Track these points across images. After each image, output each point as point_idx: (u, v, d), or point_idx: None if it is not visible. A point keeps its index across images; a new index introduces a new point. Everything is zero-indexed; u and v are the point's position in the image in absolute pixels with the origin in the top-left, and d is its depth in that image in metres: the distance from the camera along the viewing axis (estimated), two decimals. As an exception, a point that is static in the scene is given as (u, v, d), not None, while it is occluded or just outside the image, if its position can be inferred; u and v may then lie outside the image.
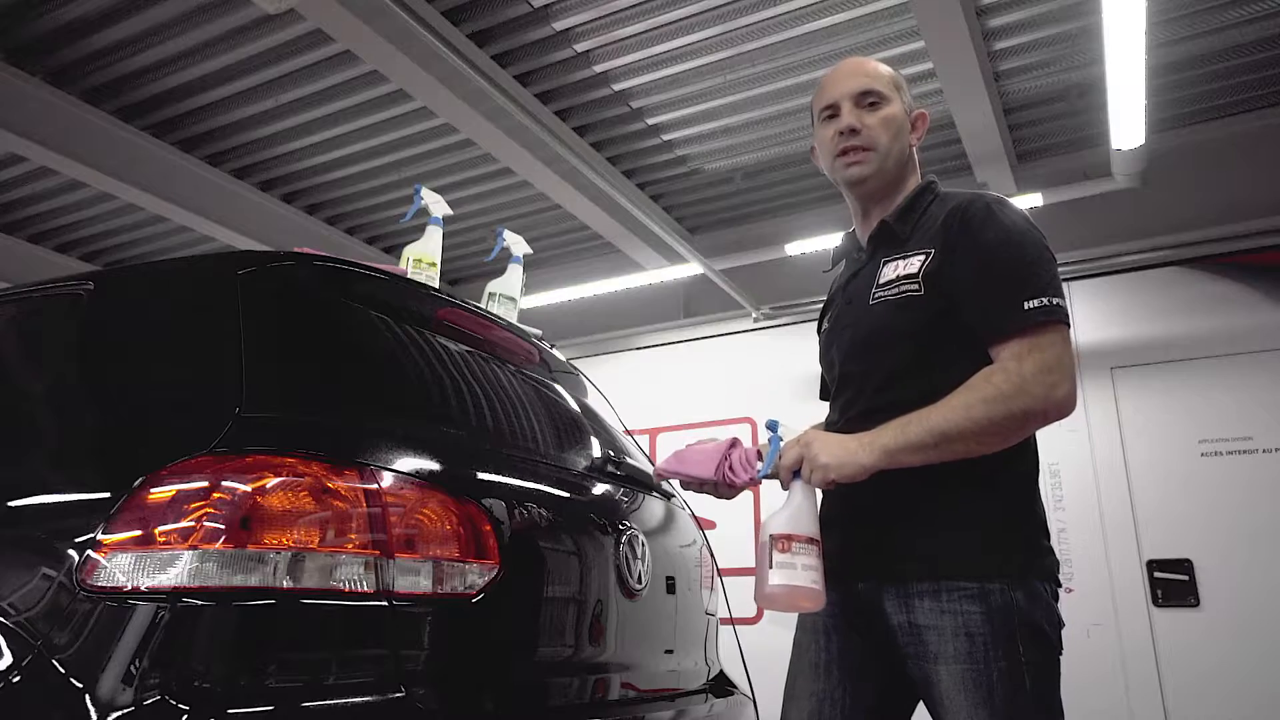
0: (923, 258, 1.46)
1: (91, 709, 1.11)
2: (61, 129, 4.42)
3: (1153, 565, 4.32)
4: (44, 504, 1.40)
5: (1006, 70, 4.16)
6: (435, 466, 1.45)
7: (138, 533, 1.22)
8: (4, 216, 5.68)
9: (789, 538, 1.33)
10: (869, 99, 1.56)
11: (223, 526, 1.20)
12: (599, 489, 1.88)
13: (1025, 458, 1.43)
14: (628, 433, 2.35)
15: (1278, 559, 4.09)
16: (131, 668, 1.13)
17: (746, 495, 5.75)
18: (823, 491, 1.45)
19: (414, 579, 1.33)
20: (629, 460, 2.08)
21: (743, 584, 5.58)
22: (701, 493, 1.57)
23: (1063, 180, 4.75)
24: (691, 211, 5.65)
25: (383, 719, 1.26)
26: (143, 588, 1.18)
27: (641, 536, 1.89)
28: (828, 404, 1.69)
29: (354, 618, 1.28)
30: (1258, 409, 4.30)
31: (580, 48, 4.02)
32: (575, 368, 2.36)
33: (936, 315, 1.43)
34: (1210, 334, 4.47)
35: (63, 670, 1.16)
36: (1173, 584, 4.26)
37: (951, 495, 1.38)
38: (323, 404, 1.45)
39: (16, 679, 1.18)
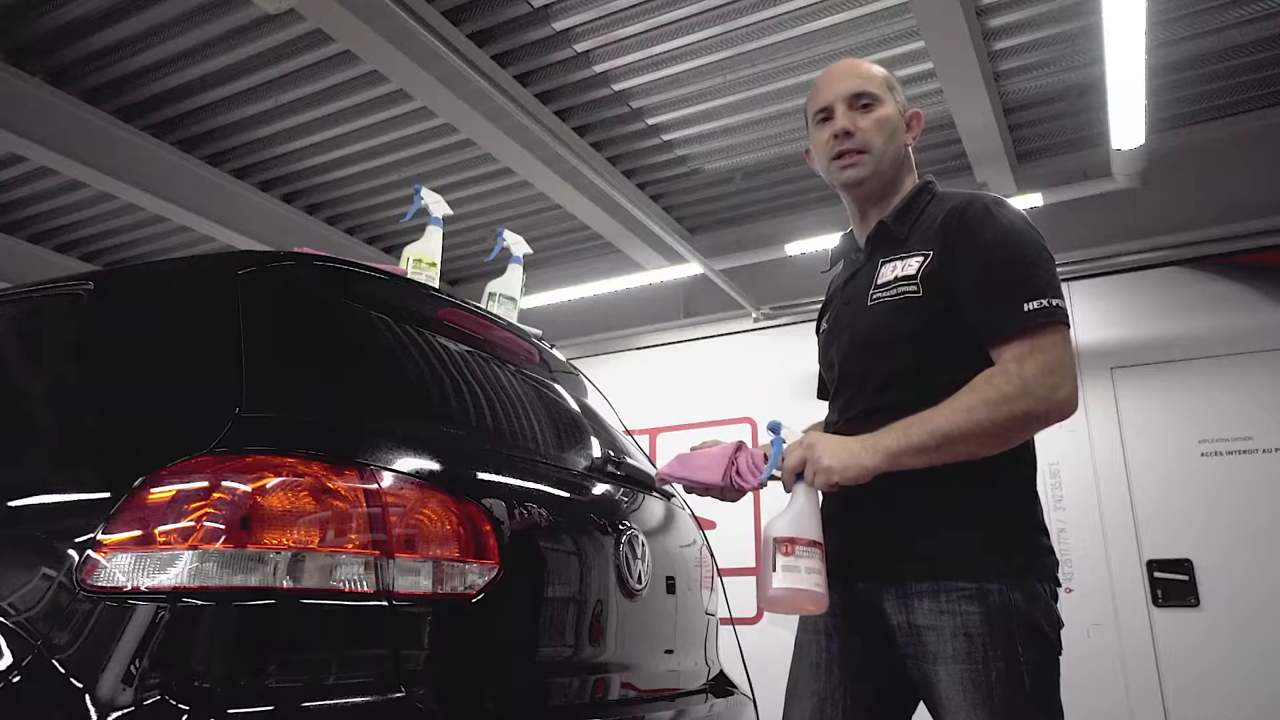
0: (921, 259, 1.46)
1: (91, 709, 1.11)
2: (61, 129, 4.42)
3: (1153, 565, 4.32)
4: (44, 504, 1.40)
5: (1006, 70, 4.16)
6: (435, 466, 1.45)
7: (138, 533, 1.22)
8: (4, 216, 5.68)
9: (792, 541, 1.33)
10: (862, 101, 1.56)
11: (223, 526, 1.20)
12: (599, 489, 1.88)
13: (1024, 458, 1.43)
14: (628, 433, 2.35)
15: (1278, 559, 4.09)
16: (131, 668, 1.13)
17: (747, 495, 5.70)
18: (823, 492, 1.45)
19: (414, 579, 1.33)
20: (629, 460, 2.08)
21: (743, 584, 5.58)
22: (705, 496, 1.56)
23: (1063, 180, 4.75)
24: (691, 211, 5.65)
25: (383, 719, 1.26)
26: (143, 588, 1.18)
27: (641, 536, 1.89)
28: (827, 403, 1.69)
29: (354, 618, 1.28)
30: (1258, 409, 4.30)
31: (580, 48, 4.02)
32: (575, 368, 2.35)
33: (935, 317, 1.43)
34: (1210, 334, 4.47)
35: (63, 670, 1.16)
36: (1173, 584, 4.26)
37: (950, 496, 1.38)
38: (323, 404, 1.45)
39: (16, 679, 1.18)
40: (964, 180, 4.83)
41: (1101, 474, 4.52)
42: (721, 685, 2.17)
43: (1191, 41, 3.98)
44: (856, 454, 1.36)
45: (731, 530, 5.33)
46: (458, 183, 5.21)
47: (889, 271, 1.50)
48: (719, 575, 2.37)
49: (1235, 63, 4.14)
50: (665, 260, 5.60)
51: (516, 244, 2.60)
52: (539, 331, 2.26)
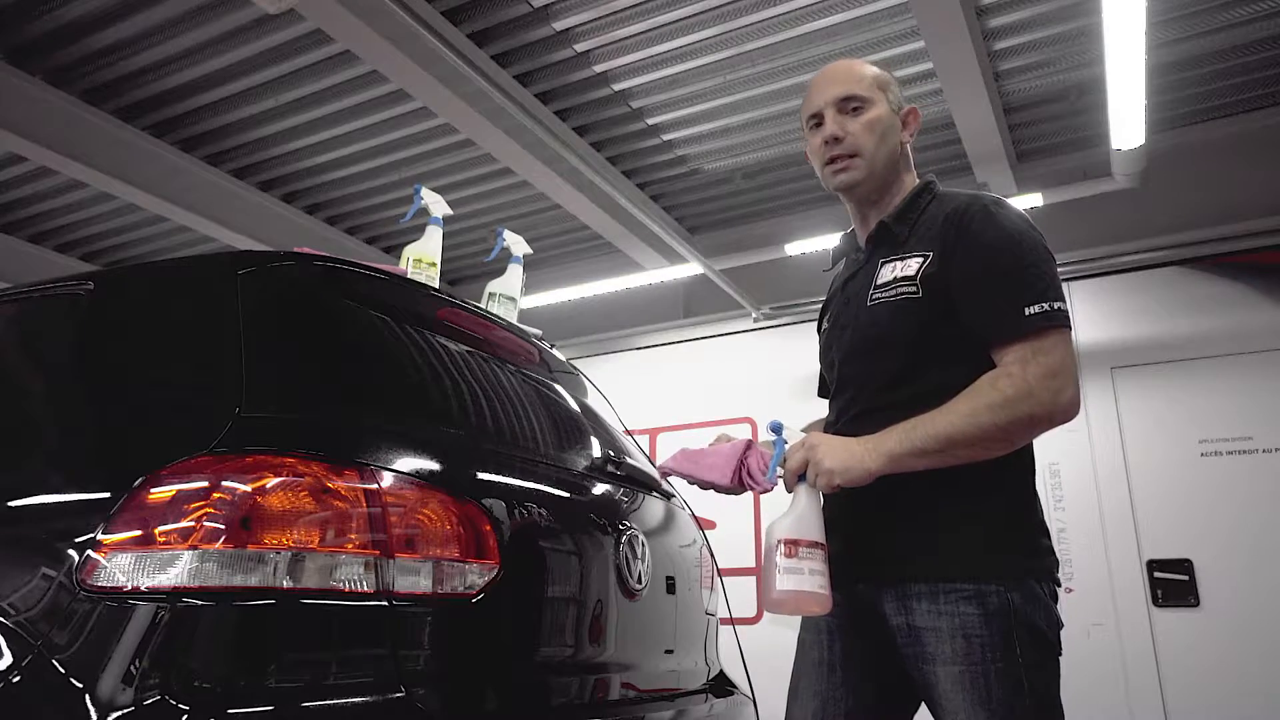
0: (920, 260, 1.46)
1: (91, 709, 1.11)
2: (61, 129, 4.42)
3: (1153, 565, 4.32)
4: (44, 504, 1.40)
5: (1006, 70, 4.16)
6: (435, 466, 1.45)
7: (138, 533, 1.22)
8: (4, 216, 5.68)
9: (795, 543, 1.33)
10: (851, 104, 1.56)
11: (223, 526, 1.20)
12: (599, 489, 1.88)
13: (1023, 459, 1.43)
14: (628, 433, 2.35)
15: (1278, 559, 4.09)
16: (131, 668, 1.13)
17: (747, 496, 5.71)
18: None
19: (414, 579, 1.33)
20: (629, 460, 2.08)
21: (743, 584, 5.58)
22: (707, 490, 1.56)
23: (1063, 180, 4.75)
24: (691, 211, 5.65)
25: (383, 719, 1.26)
26: (143, 588, 1.18)
27: (641, 536, 1.89)
28: (827, 401, 1.69)
29: (354, 618, 1.28)
30: (1258, 409, 4.30)
31: (580, 48, 4.02)
32: (575, 368, 2.35)
33: (934, 318, 1.42)
34: (1210, 334, 4.47)
35: (63, 670, 1.16)
36: (1173, 584, 4.26)
37: (949, 497, 1.38)
38: (323, 404, 1.45)
39: (16, 679, 1.18)
40: (964, 180, 4.83)
41: (1101, 474, 4.52)
42: (721, 685, 2.17)
43: (1191, 41, 3.98)
44: (859, 456, 1.36)
45: (731, 530, 5.33)
46: (458, 183, 5.21)
47: (888, 272, 1.50)
48: (719, 575, 2.37)
49: (1235, 63, 4.14)
50: (665, 260, 5.60)
51: (516, 244, 2.60)
52: (539, 331, 2.26)
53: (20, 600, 1.24)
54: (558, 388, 2.13)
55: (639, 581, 1.84)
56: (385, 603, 1.29)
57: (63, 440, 1.51)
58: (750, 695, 2.22)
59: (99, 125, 4.58)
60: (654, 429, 5.80)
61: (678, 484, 2.25)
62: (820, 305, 1.79)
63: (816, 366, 1.82)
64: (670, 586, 2.02)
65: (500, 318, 2.12)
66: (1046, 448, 1.46)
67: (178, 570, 1.18)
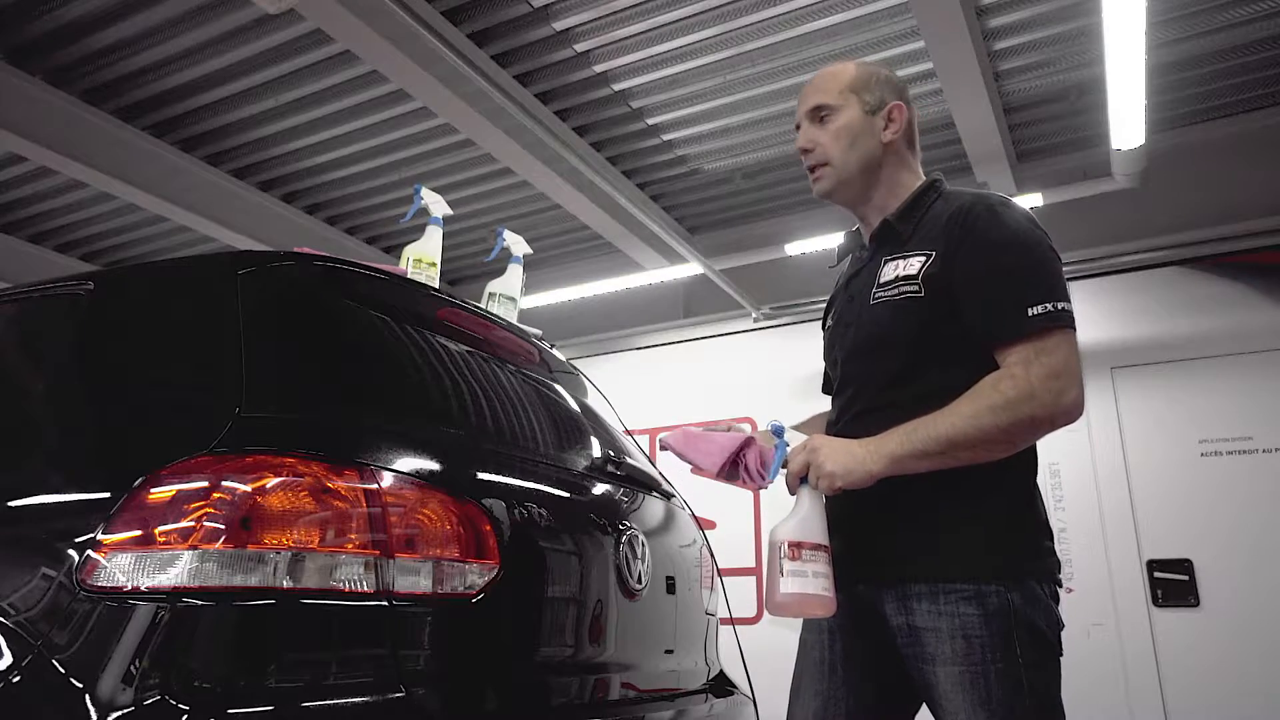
0: (923, 259, 1.45)
1: (91, 709, 1.11)
2: (61, 129, 4.42)
3: (1153, 565, 4.32)
4: (44, 504, 1.40)
5: (1006, 70, 4.16)
6: (435, 466, 1.45)
7: (138, 533, 1.22)
8: (4, 216, 5.69)
9: (799, 545, 1.33)
10: (821, 113, 1.59)
11: (223, 526, 1.20)
12: (599, 489, 1.88)
13: (1025, 459, 1.42)
14: (628, 433, 2.35)
15: (1278, 559, 4.10)
16: (131, 668, 1.13)
17: (747, 496, 5.69)
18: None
19: (414, 579, 1.33)
20: (629, 460, 2.08)
21: (743, 584, 5.57)
22: (696, 474, 1.55)
23: (1063, 180, 4.75)
24: (691, 211, 5.65)
25: (383, 719, 1.26)
26: (143, 588, 1.18)
27: (641, 536, 1.89)
28: (830, 398, 1.69)
29: (354, 618, 1.28)
30: (1258, 409, 4.30)
31: (580, 48, 4.02)
32: (575, 368, 2.35)
33: (935, 317, 1.42)
34: (1210, 334, 4.47)
35: (63, 670, 1.16)
36: (1173, 584, 4.26)
37: (950, 497, 1.38)
38: (323, 404, 1.45)
39: (16, 679, 1.18)
40: (964, 180, 4.83)
41: (1101, 474, 4.52)
42: (721, 685, 2.17)
43: (1191, 41, 3.98)
44: (860, 459, 1.35)
45: (731, 530, 5.33)
46: (458, 183, 5.21)
47: (891, 270, 1.49)
48: (719, 575, 2.37)
49: (1235, 63, 4.15)
50: (665, 260, 5.60)
51: (516, 244, 2.60)
52: (539, 331, 2.26)
53: (20, 600, 1.24)
54: (558, 388, 2.13)
55: (639, 581, 1.84)
56: (385, 603, 1.29)
57: (63, 440, 1.51)
58: (750, 695, 2.22)
59: (99, 125, 4.58)
60: (654, 429, 5.79)
61: (678, 486, 2.26)
62: (825, 303, 1.79)
63: (817, 366, 1.82)
64: (670, 586, 2.02)
65: (500, 318, 2.12)
66: (1047, 448, 1.45)
67: (178, 570, 1.18)
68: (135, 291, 1.72)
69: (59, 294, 1.74)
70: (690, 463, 1.52)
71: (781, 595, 1.31)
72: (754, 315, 5.72)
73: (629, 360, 6.15)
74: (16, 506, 1.40)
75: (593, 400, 2.28)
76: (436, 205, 2.44)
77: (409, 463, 1.41)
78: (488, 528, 1.45)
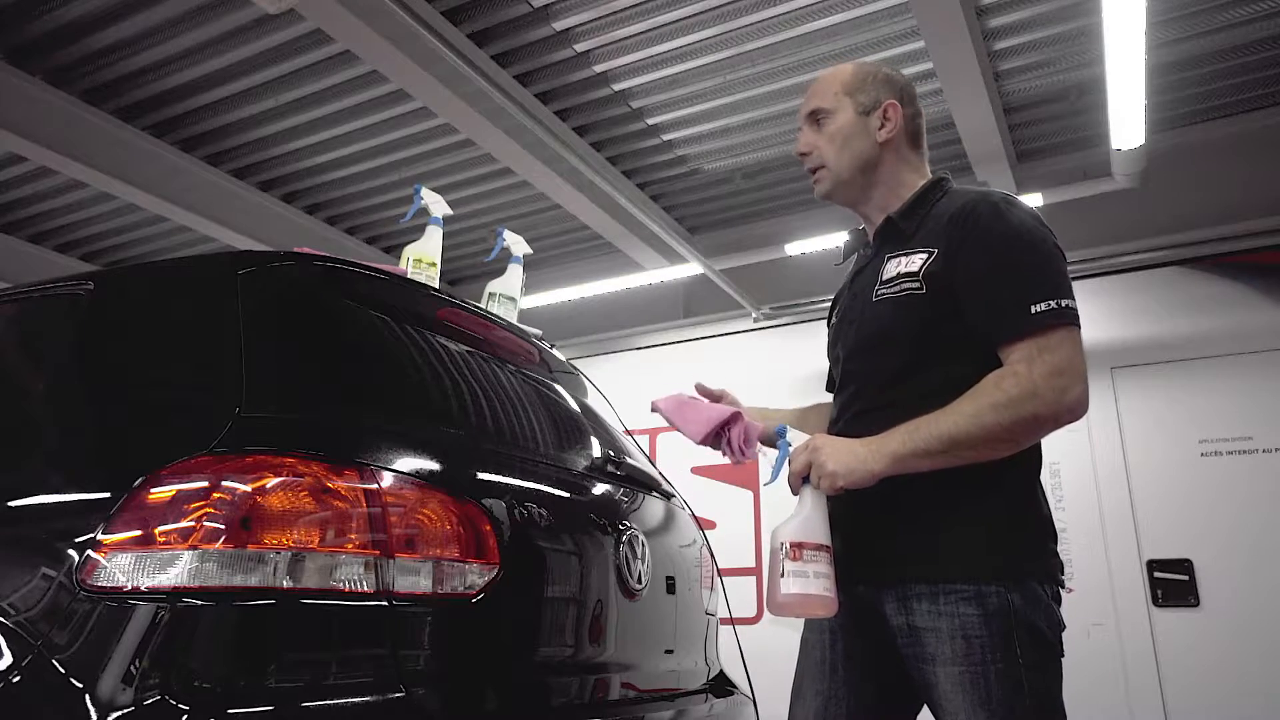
0: (925, 255, 1.45)
1: (91, 709, 1.11)
2: (61, 129, 4.42)
3: (1153, 565, 4.32)
4: (44, 504, 1.40)
5: (1006, 70, 4.16)
6: (435, 466, 1.45)
7: (138, 533, 1.22)
8: (4, 216, 5.69)
9: (800, 545, 1.33)
10: (817, 117, 1.61)
11: (223, 526, 1.20)
12: (599, 489, 1.88)
13: (1028, 459, 1.41)
14: (628, 433, 2.35)
15: (1278, 559, 4.10)
16: (131, 668, 1.12)
17: (747, 496, 5.68)
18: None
19: (414, 579, 1.33)
20: (629, 460, 2.08)
21: (743, 584, 5.57)
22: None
23: (1063, 180, 4.75)
24: (691, 211, 5.65)
25: (383, 719, 1.26)
26: (143, 588, 1.18)
27: (641, 536, 1.89)
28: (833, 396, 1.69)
29: (354, 618, 1.28)
30: (1258, 409, 4.30)
31: (580, 48, 4.02)
32: (575, 368, 2.35)
33: (937, 314, 1.42)
34: (1210, 334, 4.47)
35: (63, 670, 1.16)
36: (1173, 584, 4.26)
37: (951, 497, 1.37)
38: (323, 404, 1.45)
39: (16, 679, 1.18)
40: (964, 180, 4.82)
41: (1101, 474, 4.52)
42: (721, 685, 2.17)
43: (1191, 41, 3.98)
44: (863, 459, 1.35)
45: (731, 530, 5.33)
46: (458, 183, 5.21)
47: (893, 267, 1.49)
48: (719, 575, 2.37)
49: (1235, 63, 4.15)
50: (665, 260, 5.60)
51: (516, 244, 2.60)
52: (539, 331, 2.26)
53: (20, 600, 1.24)
54: (558, 388, 2.13)
55: (639, 581, 1.84)
56: (385, 603, 1.29)
57: (63, 440, 1.51)
58: (750, 695, 2.22)
59: (99, 125, 4.58)
60: (654, 429, 5.79)
61: (677, 485, 2.26)
62: (827, 302, 1.79)
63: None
64: (670, 586, 2.02)
65: (500, 318, 2.12)
66: (1047, 448, 1.45)
67: (178, 570, 1.18)
68: (135, 291, 1.72)
69: (59, 294, 1.74)
70: (677, 428, 1.61)
71: (783, 595, 1.31)
72: (754, 315, 5.72)
73: (629, 360, 6.15)
74: (16, 506, 1.40)
75: (593, 400, 2.28)
76: (436, 205, 2.44)
77: (409, 463, 1.41)
78: (488, 528, 1.45)
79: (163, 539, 1.20)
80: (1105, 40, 3.31)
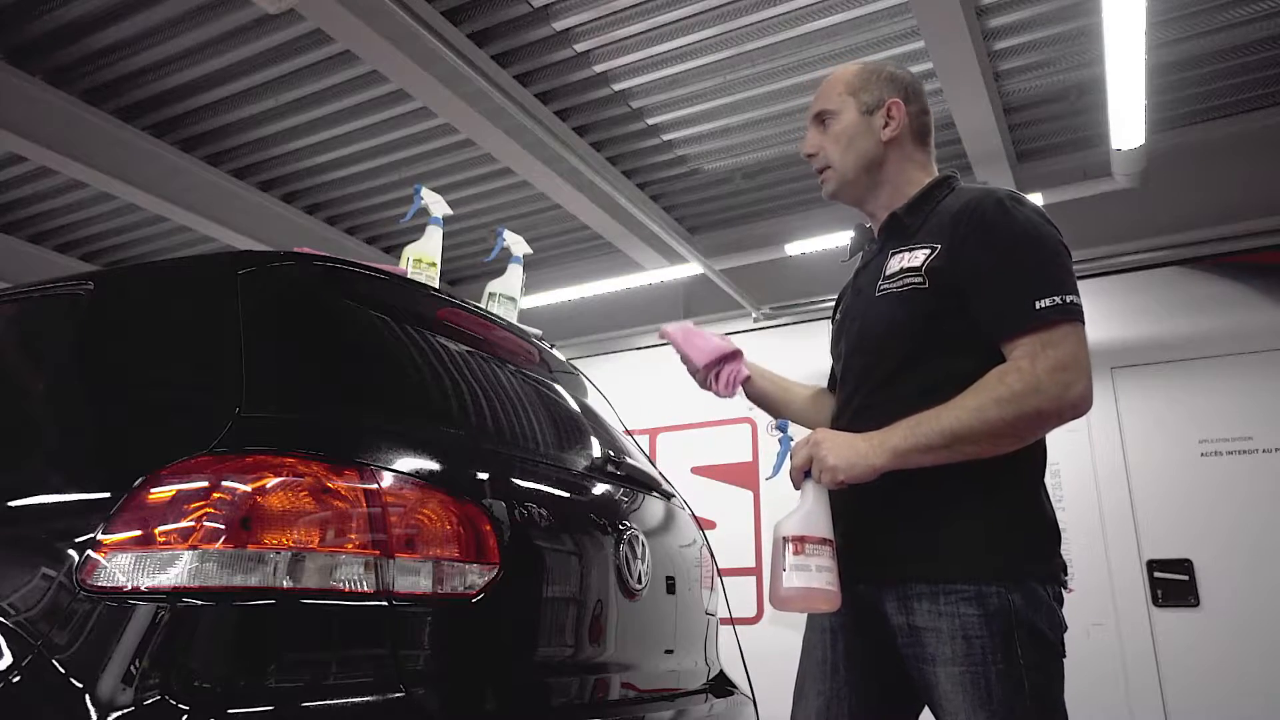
0: (928, 251, 1.45)
1: (91, 709, 1.11)
2: (61, 129, 4.42)
3: (1153, 565, 4.32)
4: (44, 504, 1.40)
5: (1006, 70, 4.16)
6: (435, 466, 1.45)
7: (138, 533, 1.22)
8: (4, 216, 5.68)
9: (802, 539, 1.33)
10: (822, 117, 1.63)
11: (223, 526, 1.20)
12: (599, 489, 1.88)
13: (1031, 457, 1.41)
14: (628, 433, 2.35)
15: (1278, 559, 4.10)
16: (131, 668, 1.13)
17: (747, 496, 5.69)
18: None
19: (414, 579, 1.33)
20: (629, 460, 2.08)
21: (743, 584, 5.56)
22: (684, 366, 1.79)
23: (1063, 180, 4.75)
24: (691, 211, 5.65)
25: (383, 719, 1.26)
26: (143, 588, 1.18)
27: (641, 536, 1.89)
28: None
29: (354, 618, 1.28)
30: (1258, 409, 4.31)
31: (580, 48, 4.02)
32: (575, 368, 2.35)
33: (940, 309, 1.41)
34: (1210, 334, 4.47)
35: (63, 670, 1.16)
36: (1173, 584, 4.26)
37: (953, 495, 1.37)
38: (323, 404, 1.45)
39: (16, 679, 1.18)
40: (965, 180, 4.83)
41: (1101, 474, 4.52)
42: (721, 685, 2.17)
43: (1191, 41, 3.98)
44: (864, 453, 1.35)
45: (731, 530, 5.33)
46: (458, 183, 5.21)
47: (896, 263, 1.49)
48: (719, 575, 2.37)
49: (1235, 63, 4.14)
50: (665, 260, 5.60)
51: (516, 244, 2.60)
52: (539, 331, 2.26)
53: (20, 600, 1.24)
54: (558, 388, 2.13)
55: (639, 581, 1.84)
56: (385, 603, 1.29)
57: (63, 440, 1.51)
58: (750, 695, 2.22)
59: (99, 125, 4.58)
60: (654, 429, 5.80)
61: (677, 485, 2.26)
62: (827, 301, 1.80)
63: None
64: (670, 586, 2.02)
65: (500, 318, 2.12)
66: (1048, 448, 1.45)
67: (178, 570, 1.18)
68: (135, 291, 1.72)
69: (59, 294, 1.74)
70: (683, 353, 1.75)
71: (785, 589, 1.31)
72: (754, 315, 5.71)
73: (629, 360, 6.15)
74: (16, 506, 1.40)
75: (593, 400, 2.28)
76: (436, 205, 2.44)
77: (409, 463, 1.41)
78: (488, 528, 1.45)
79: (163, 539, 1.20)
80: (1105, 40, 3.31)
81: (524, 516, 1.57)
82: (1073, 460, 4.57)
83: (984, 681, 1.29)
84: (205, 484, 1.23)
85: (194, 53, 4.14)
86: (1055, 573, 1.39)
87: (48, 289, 1.78)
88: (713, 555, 2.35)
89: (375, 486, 1.33)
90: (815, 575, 1.31)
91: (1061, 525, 1.44)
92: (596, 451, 2.02)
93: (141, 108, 4.58)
